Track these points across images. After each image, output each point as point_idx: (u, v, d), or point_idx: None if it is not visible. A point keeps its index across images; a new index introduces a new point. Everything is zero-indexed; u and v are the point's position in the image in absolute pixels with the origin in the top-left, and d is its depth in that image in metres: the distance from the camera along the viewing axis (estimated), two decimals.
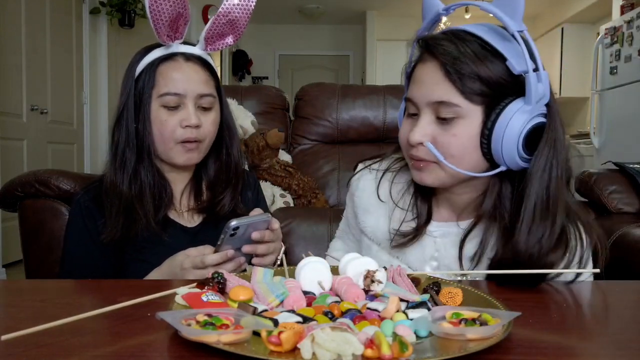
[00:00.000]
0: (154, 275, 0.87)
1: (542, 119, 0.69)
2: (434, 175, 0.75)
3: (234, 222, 0.77)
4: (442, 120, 0.72)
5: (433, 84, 0.71)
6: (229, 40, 0.96)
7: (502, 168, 0.71)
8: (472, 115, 0.70)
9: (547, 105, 0.69)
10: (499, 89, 0.69)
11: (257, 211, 0.86)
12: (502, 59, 0.68)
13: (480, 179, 0.75)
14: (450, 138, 0.71)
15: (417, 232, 0.80)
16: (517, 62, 0.66)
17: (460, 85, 0.69)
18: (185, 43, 0.95)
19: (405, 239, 0.80)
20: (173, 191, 0.98)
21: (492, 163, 0.72)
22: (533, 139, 0.69)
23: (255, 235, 0.81)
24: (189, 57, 0.93)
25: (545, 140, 0.69)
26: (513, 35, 0.67)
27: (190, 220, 0.99)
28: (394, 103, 1.85)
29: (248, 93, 1.98)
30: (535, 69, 0.67)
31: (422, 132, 0.73)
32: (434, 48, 0.71)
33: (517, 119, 0.67)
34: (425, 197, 0.82)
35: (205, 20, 5.30)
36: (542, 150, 0.69)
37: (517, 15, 0.66)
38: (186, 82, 0.91)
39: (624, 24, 3.72)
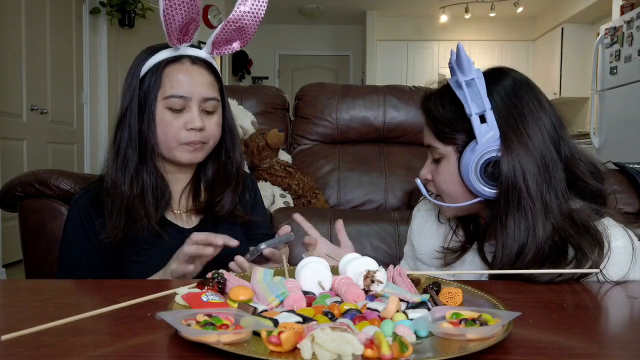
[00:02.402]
0: (159, 276, 0.87)
1: (496, 154, 0.76)
2: (444, 209, 0.87)
3: (263, 246, 0.81)
4: (435, 161, 0.85)
5: (425, 131, 0.86)
6: (236, 45, 0.96)
7: (479, 198, 0.80)
8: (450, 155, 0.82)
9: (503, 140, 0.76)
10: (465, 131, 0.78)
11: (284, 230, 0.88)
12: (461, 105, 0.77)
13: (485, 208, 0.83)
14: (437, 176, 0.84)
15: (463, 250, 0.87)
16: (468, 108, 0.76)
17: (435, 130, 0.82)
18: (190, 46, 0.95)
19: (454, 255, 0.88)
20: (172, 192, 0.98)
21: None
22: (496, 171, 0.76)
23: (267, 252, 0.84)
24: (195, 60, 0.93)
25: (503, 172, 0.75)
26: (461, 84, 0.76)
27: (187, 221, 0.99)
28: (394, 103, 1.85)
29: (248, 93, 1.98)
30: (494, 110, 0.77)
31: (424, 170, 0.87)
32: (422, 104, 0.86)
33: (467, 157, 0.78)
34: (469, 220, 0.91)
35: (206, 20, 5.30)
36: (502, 181, 0.75)
37: (463, 65, 0.76)
38: (192, 85, 0.91)
39: (624, 24, 3.72)
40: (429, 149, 0.85)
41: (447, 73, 0.89)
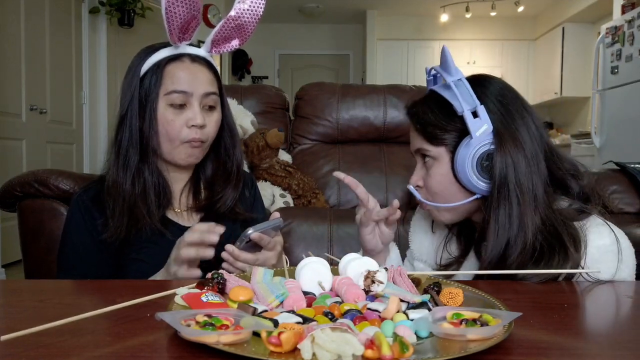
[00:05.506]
0: (160, 275, 0.87)
1: (490, 147, 0.78)
2: (440, 216, 0.86)
3: (250, 231, 0.79)
4: (425, 165, 0.85)
5: (413, 138, 0.87)
6: (235, 43, 0.97)
7: (477, 195, 0.81)
8: (441, 156, 0.82)
9: (495, 134, 0.78)
10: (455, 130, 0.80)
11: (273, 216, 0.87)
12: (450, 105, 0.78)
13: (480, 210, 0.83)
14: (429, 179, 0.84)
15: (458, 264, 0.88)
16: (460, 105, 0.77)
17: (424, 134, 0.83)
18: (189, 44, 0.95)
19: (450, 268, 0.88)
20: (173, 191, 0.98)
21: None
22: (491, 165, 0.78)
23: (255, 236, 0.82)
24: (195, 58, 0.94)
25: (497, 165, 0.76)
26: (450, 85, 0.78)
27: (189, 219, 0.99)
28: (394, 102, 1.85)
29: (248, 93, 1.98)
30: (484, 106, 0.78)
31: (415, 177, 0.87)
32: (408, 111, 0.88)
33: (463, 152, 0.78)
34: (462, 231, 0.91)
35: (205, 20, 5.29)
36: (495, 174, 0.77)
37: (450, 67, 0.78)
38: (192, 81, 0.91)
39: (625, 24, 3.71)
40: (418, 153, 0.86)
41: None
